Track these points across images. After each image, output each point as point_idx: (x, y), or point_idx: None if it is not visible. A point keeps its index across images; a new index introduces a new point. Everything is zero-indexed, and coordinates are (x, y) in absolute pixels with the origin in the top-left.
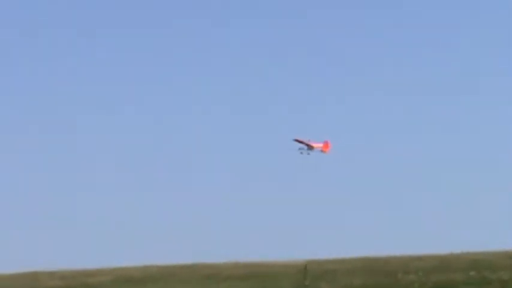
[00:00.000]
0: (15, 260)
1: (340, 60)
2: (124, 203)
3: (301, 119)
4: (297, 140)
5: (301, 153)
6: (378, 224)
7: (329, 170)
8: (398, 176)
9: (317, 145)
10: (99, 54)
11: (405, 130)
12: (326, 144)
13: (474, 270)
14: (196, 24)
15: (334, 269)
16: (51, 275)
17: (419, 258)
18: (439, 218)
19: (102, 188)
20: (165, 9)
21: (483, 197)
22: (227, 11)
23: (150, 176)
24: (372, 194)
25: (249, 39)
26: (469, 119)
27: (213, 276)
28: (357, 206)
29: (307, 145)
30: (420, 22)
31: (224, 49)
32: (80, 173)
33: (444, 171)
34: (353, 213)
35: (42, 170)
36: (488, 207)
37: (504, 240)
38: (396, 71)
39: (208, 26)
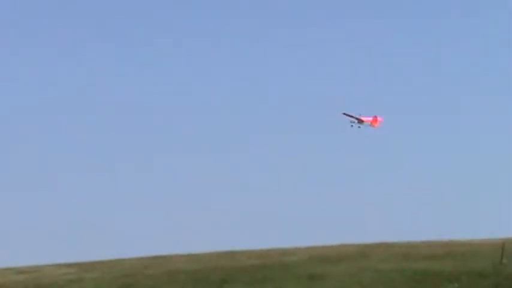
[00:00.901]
0: (212, 240)
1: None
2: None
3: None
4: (345, 114)
5: (352, 126)
6: None
7: None
8: None
9: (366, 119)
10: None
11: None
12: (375, 118)
13: None
14: None
15: None
16: (248, 253)
17: None
18: None
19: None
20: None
21: None
22: None
23: None
24: None
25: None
26: None
27: (410, 256)
28: None
29: (357, 119)
30: None
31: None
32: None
33: None
34: None
35: None
36: None
37: None
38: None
39: None
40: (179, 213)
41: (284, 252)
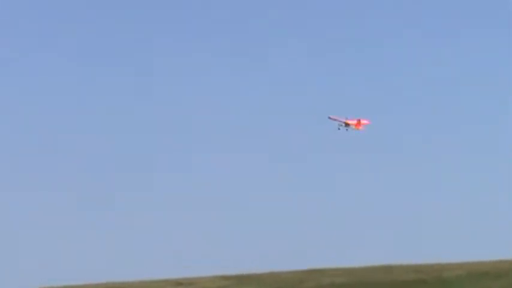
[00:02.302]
0: (368, 254)
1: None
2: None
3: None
4: (331, 118)
5: (339, 129)
6: None
7: None
8: None
9: (351, 122)
10: None
11: None
12: (358, 122)
13: None
14: None
15: None
16: (406, 268)
17: None
18: None
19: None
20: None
21: None
22: None
23: None
24: None
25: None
26: None
27: None
28: None
29: (344, 123)
30: None
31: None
32: None
33: None
34: None
35: None
36: None
37: None
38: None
39: None
40: (333, 226)
41: (442, 267)
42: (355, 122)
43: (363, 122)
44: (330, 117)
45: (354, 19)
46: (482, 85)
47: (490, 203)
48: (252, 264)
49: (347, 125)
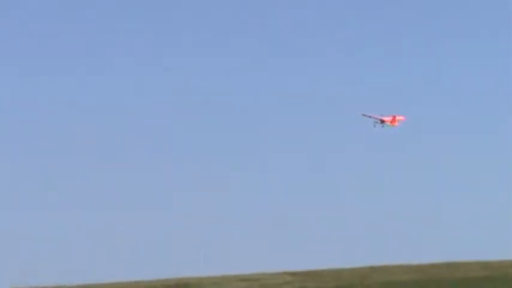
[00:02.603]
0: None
1: None
2: None
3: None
4: (365, 115)
5: (375, 126)
6: None
7: None
8: None
9: (386, 119)
10: None
11: None
12: (394, 118)
13: None
14: None
15: None
16: (472, 264)
17: None
18: None
19: None
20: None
21: None
22: None
23: None
24: None
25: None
26: None
27: None
28: None
29: (380, 120)
30: None
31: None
32: None
33: None
34: None
35: None
36: None
37: None
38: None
39: None
40: (393, 223)
41: (510, 264)
42: (390, 118)
43: (398, 118)
44: (363, 115)
45: (386, 11)
46: None
47: None
48: (316, 260)
49: (382, 121)
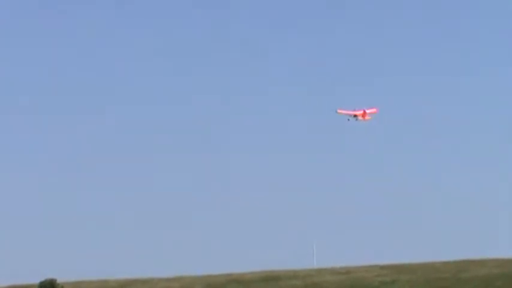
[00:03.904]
0: None
1: None
2: None
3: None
4: (340, 112)
5: (349, 120)
6: None
7: None
8: None
9: (358, 113)
10: None
11: None
12: (364, 112)
13: None
14: None
15: None
16: None
17: None
18: None
19: None
20: None
21: None
22: None
23: None
24: None
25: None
26: None
27: None
28: None
29: (353, 114)
30: None
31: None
32: None
33: None
34: None
35: None
36: None
37: None
38: None
39: None
40: (484, 218)
41: None
42: (361, 112)
43: (370, 111)
44: (338, 112)
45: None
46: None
47: None
48: (409, 254)
49: (355, 116)
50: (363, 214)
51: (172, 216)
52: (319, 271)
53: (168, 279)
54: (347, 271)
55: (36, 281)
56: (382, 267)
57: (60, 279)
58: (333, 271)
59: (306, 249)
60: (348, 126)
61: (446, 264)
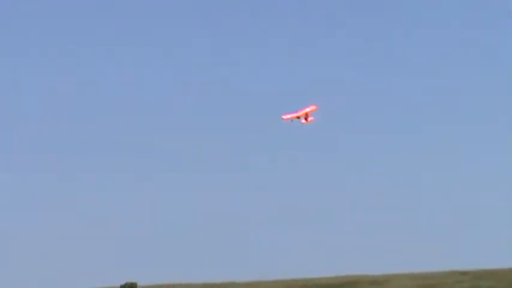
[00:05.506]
0: None
1: None
2: None
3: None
4: (285, 118)
5: (292, 121)
6: None
7: None
8: None
9: (300, 115)
10: None
11: None
12: (306, 114)
13: None
14: None
15: None
16: None
17: None
18: None
19: None
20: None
21: None
22: None
23: None
24: None
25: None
26: None
27: None
28: None
29: (297, 117)
30: None
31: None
32: None
33: None
34: None
35: None
36: None
37: None
38: None
39: None
40: None
41: None
42: (303, 114)
43: (310, 109)
44: (283, 118)
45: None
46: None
47: None
48: (490, 260)
49: (298, 118)
50: (440, 219)
51: (249, 220)
52: (397, 276)
53: (247, 284)
54: (426, 277)
55: (117, 283)
56: (462, 273)
57: (141, 282)
58: (412, 276)
59: (383, 253)
60: None
61: None
